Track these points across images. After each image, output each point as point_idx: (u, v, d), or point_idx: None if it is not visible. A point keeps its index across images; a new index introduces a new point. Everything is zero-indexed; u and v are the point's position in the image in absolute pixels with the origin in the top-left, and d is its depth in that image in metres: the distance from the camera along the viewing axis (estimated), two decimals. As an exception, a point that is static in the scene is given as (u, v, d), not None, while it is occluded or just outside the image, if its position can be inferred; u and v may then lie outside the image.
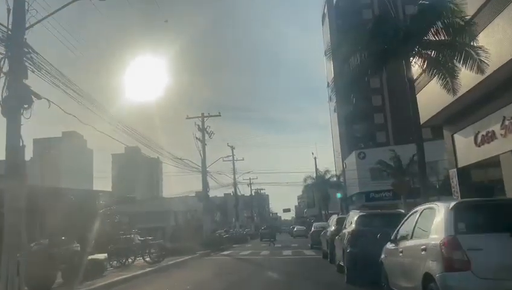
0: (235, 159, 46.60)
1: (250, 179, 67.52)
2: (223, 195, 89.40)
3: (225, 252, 23.02)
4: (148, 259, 14.32)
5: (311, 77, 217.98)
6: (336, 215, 15.85)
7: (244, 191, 75.64)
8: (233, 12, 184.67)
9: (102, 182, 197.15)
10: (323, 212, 56.42)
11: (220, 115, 28.28)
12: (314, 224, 25.89)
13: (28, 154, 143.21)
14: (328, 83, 67.62)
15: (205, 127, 27.92)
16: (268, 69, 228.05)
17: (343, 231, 10.63)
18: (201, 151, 27.43)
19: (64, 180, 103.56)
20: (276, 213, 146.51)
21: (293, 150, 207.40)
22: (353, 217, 9.97)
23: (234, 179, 45.09)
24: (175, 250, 19.46)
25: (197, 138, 27.02)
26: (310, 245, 25.13)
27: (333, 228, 14.41)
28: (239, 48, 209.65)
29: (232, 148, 45.72)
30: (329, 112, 73.93)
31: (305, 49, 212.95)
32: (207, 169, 27.60)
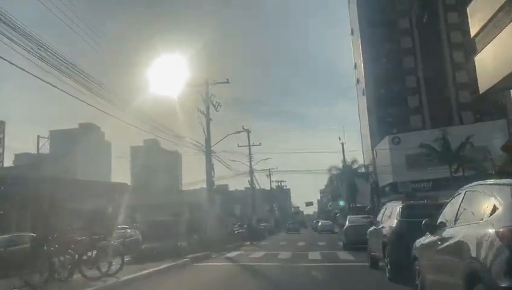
0: (251, 144, 40.97)
1: (269, 169, 62.05)
2: (243, 189, 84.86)
3: (230, 254, 17.39)
4: (94, 272, 8.86)
5: (334, 71, 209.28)
6: (396, 202, 9.92)
7: (264, 185, 70.66)
8: (251, 4, 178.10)
9: (122, 174, 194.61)
10: (351, 205, 50.49)
11: (228, 82, 22.65)
12: (349, 217, 20.03)
13: (45, 146, 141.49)
14: (355, 64, 61.21)
15: (210, 97, 22.47)
16: (286, 61, 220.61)
17: (448, 229, 4.86)
18: (205, 128, 21.94)
19: (81, 173, 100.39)
20: (298, 207, 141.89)
21: (315, 144, 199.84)
22: (494, 194, 4.05)
23: (250, 165, 39.51)
24: (160, 252, 14.16)
25: (200, 110, 21.55)
26: (342, 244, 19.41)
27: (394, 223, 8.68)
28: (257, 42, 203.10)
29: (248, 131, 40.14)
30: (357, 96, 67.46)
31: (327, 42, 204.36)
32: (212, 148, 22.09)
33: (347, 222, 19.05)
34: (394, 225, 8.55)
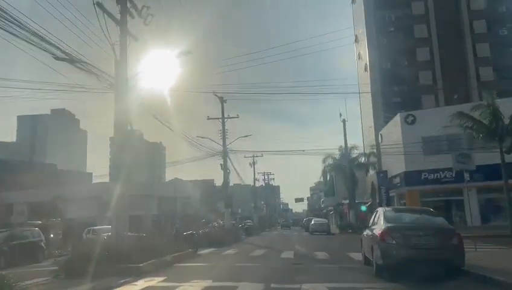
0: (226, 117, 31.05)
1: (253, 156, 52.87)
2: (232, 185, 77.00)
3: (137, 285, 7.49)
4: None
5: (327, 68, 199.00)
6: None
7: (251, 181, 62.06)
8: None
9: (99, 165, 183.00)
10: (352, 200, 41.09)
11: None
12: (386, 213, 9.67)
13: (13, 133, 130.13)
14: (355, 37, 49.28)
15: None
16: (280, 57, 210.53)
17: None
18: (116, 51, 12.02)
19: (51, 162, 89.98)
20: (287, 204, 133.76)
21: (306, 142, 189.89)
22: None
23: (224, 143, 29.63)
24: None
25: (97, 6, 11.46)
26: (375, 265, 9.55)
27: None
28: (250, 37, 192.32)
29: (222, 100, 30.26)
30: (357, 74, 58.04)
31: (323, 38, 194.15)
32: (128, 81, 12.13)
33: (381, 222, 9.11)
34: None
